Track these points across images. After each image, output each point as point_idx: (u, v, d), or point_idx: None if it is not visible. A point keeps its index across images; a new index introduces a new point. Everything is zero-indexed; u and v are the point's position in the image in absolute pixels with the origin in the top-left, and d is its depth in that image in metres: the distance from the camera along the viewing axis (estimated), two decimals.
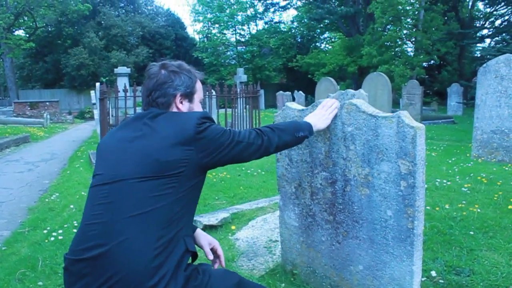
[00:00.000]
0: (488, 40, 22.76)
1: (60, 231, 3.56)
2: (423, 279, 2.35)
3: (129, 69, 17.57)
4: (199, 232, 1.88)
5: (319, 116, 2.12)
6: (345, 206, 2.24)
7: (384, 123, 1.99)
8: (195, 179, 1.60)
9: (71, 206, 4.35)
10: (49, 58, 31.36)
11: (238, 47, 36.38)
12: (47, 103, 23.38)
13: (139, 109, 7.75)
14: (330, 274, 2.39)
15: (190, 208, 1.65)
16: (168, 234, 1.51)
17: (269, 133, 1.84)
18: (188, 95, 1.74)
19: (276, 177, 5.02)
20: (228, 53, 36.61)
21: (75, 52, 28.71)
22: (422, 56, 23.33)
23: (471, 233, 3.08)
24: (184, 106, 1.73)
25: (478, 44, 23.92)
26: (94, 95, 10.47)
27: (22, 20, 28.86)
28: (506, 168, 5.46)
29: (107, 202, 1.53)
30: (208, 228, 3.30)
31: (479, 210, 3.52)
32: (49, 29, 31.29)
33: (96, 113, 10.38)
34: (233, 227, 3.36)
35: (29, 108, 22.70)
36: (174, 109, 1.71)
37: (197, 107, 1.79)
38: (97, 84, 12.10)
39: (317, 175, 2.36)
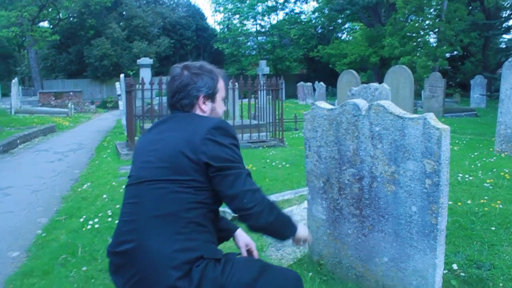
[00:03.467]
0: None
1: (95, 220, 3.76)
2: (444, 271, 2.45)
3: (151, 60, 17.76)
4: (238, 233, 2.01)
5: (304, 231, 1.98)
6: (371, 201, 2.36)
7: (411, 124, 2.10)
8: (204, 185, 1.65)
9: (104, 196, 4.54)
10: (72, 49, 31.94)
11: (259, 38, 36.39)
12: (71, 93, 23.84)
13: (164, 99, 7.95)
14: (355, 265, 2.52)
15: (209, 215, 1.71)
16: (187, 236, 1.60)
17: (267, 210, 1.69)
18: (211, 96, 1.82)
19: (299, 169, 5.16)
20: (249, 43, 36.67)
21: (97, 43, 29.17)
22: (445, 47, 22.97)
23: (493, 228, 3.16)
24: (207, 107, 1.81)
25: (503, 35, 23.42)
26: (119, 86, 10.70)
27: (46, 12, 29.35)
28: None
29: (134, 202, 1.68)
30: (236, 220, 3.45)
31: (501, 206, 3.59)
32: (72, 20, 31.79)
33: (121, 104, 10.62)
34: None
35: (53, 98, 23.19)
36: (197, 110, 1.80)
37: (219, 106, 1.88)
38: (121, 75, 12.34)
39: (345, 171, 2.48)
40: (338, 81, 10.82)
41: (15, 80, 18.07)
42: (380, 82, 21.95)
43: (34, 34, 25.02)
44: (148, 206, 1.64)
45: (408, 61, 23.00)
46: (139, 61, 16.91)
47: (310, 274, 2.64)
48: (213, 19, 49.16)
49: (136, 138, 7.40)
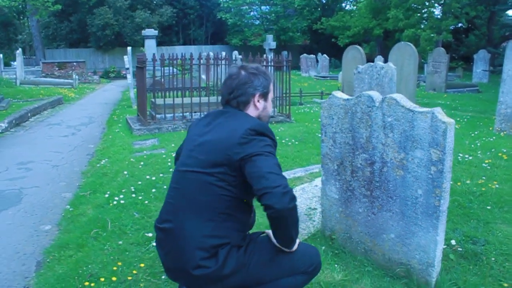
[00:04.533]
0: None
1: (121, 196, 4.01)
2: (444, 247, 2.72)
3: (156, 31, 17.73)
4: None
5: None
6: (381, 184, 2.62)
7: (420, 117, 2.33)
8: (237, 181, 1.82)
9: (125, 173, 4.77)
10: (73, 18, 31.60)
11: (262, 7, 35.96)
12: (74, 63, 23.89)
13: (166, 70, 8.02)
14: (364, 240, 2.80)
15: (240, 206, 1.90)
16: (218, 224, 1.83)
17: (289, 196, 1.73)
18: (264, 95, 2.05)
19: (308, 147, 5.41)
20: (252, 13, 36.25)
21: (100, 12, 28.89)
22: (450, 20, 22.86)
23: (488, 207, 3.44)
24: (260, 104, 2.03)
25: (509, 11, 23.23)
26: (127, 60, 10.82)
27: None
28: None
29: (176, 188, 1.96)
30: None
31: (497, 186, 3.86)
32: None
33: (129, 77, 10.78)
34: None
35: (57, 69, 23.24)
36: (251, 107, 2.01)
37: (269, 104, 2.11)
38: (129, 48, 12.44)
39: (358, 156, 2.72)
40: (344, 57, 10.94)
41: (19, 51, 18.07)
42: (384, 54, 21.94)
43: (35, 3, 24.76)
44: (186, 194, 1.89)
45: (412, 34, 22.93)
46: (144, 33, 16.94)
47: (323, 248, 2.92)
48: None
49: (148, 112, 7.62)
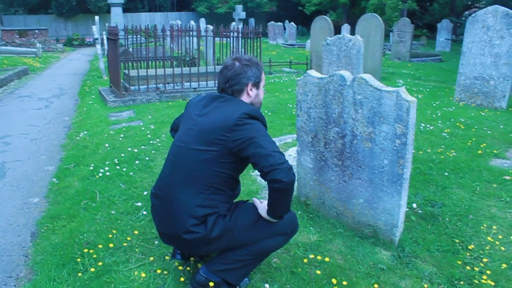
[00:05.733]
0: None
1: (106, 168, 4.17)
2: (406, 209, 3.07)
3: None
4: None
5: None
6: (351, 154, 2.91)
7: (386, 96, 2.61)
8: (229, 160, 2.08)
9: (106, 145, 4.90)
10: None
11: None
12: (36, 31, 23.03)
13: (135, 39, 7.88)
14: (336, 205, 3.11)
15: (230, 182, 2.15)
16: (208, 196, 2.10)
17: (293, 171, 2.00)
18: (256, 84, 2.30)
19: (280, 117, 5.67)
20: None
21: None
22: None
23: (446, 174, 3.82)
24: (253, 92, 2.28)
25: None
26: (95, 29, 10.64)
27: None
28: (483, 113, 6.17)
29: (173, 160, 2.24)
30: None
31: (454, 154, 4.26)
32: None
33: (99, 48, 10.65)
34: None
35: (18, 36, 22.38)
36: (245, 95, 2.26)
37: (261, 92, 2.37)
38: (96, 18, 12.20)
39: (330, 129, 3.00)
40: (312, 27, 11.12)
41: None
42: (350, 22, 22.15)
43: None
44: (182, 167, 2.16)
45: (378, 2, 23.22)
46: (109, 0, 16.56)
47: (299, 212, 3.23)
48: None
49: (121, 84, 7.66)
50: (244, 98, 2.27)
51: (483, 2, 14.78)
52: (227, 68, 2.26)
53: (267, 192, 3.56)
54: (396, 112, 2.58)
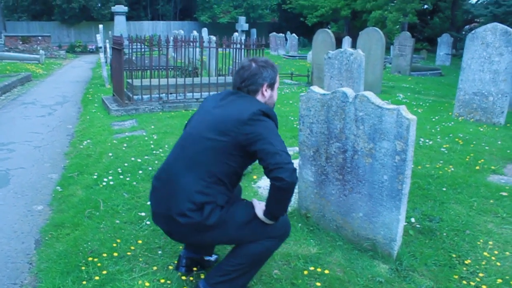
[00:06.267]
0: None
1: (110, 177, 4.23)
2: (405, 224, 3.13)
3: (126, 7, 17.52)
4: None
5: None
6: (352, 169, 2.98)
7: (387, 113, 2.69)
8: (237, 153, 2.12)
9: (109, 154, 4.96)
10: None
11: None
12: (40, 37, 23.24)
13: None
14: (336, 218, 3.17)
15: (232, 176, 2.20)
16: (208, 184, 2.13)
17: (296, 172, 2.05)
18: (271, 85, 2.37)
19: (281, 130, 5.71)
20: None
21: None
22: (415, 3, 23.47)
23: (444, 189, 3.89)
24: (267, 93, 2.35)
25: None
26: (99, 38, 10.76)
27: None
28: (481, 129, 6.25)
29: (182, 145, 2.29)
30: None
31: (452, 169, 4.33)
32: None
33: (102, 56, 10.76)
34: (254, 177, 4.12)
35: (21, 43, 22.57)
36: (260, 95, 2.33)
37: (275, 94, 2.43)
38: (100, 26, 12.37)
39: (332, 144, 3.07)
40: (314, 40, 11.25)
41: None
42: (351, 34, 22.34)
43: None
44: (189, 152, 2.21)
45: (379, 16, 23.46)
46: (113, 9, 16.75)
47: (300, 225, 3.29)
48: None
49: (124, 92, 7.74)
50: (259, 98, 2.33)
51: (482, 18, 14.94)
52: (244, 68, 2.33)
53: None
54: (396, 129, 2.66)
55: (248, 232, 2.20)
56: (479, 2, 20.01)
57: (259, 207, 2.22)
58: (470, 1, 22.33)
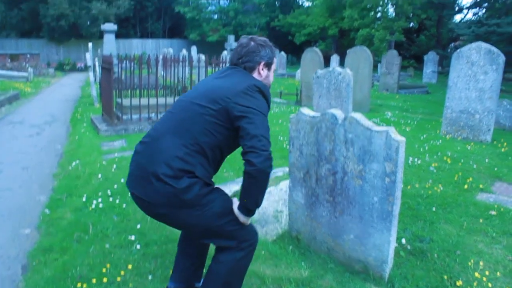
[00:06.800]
0: (466, 10, 23.45)
1: (99, 200, 4.18)
2: (396, 245, 3.14)
3: (115, 26, 17.57)
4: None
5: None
6: (342, 191, 2.99)
7: (377, 135, 2.71)
8: (224, 123, 2.08)
9: (99, 176, 4.93)
10: (24, 6, 30.40)
11: (221, 1, 36.03)
12: (28, 55, 23.22)
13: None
14: (327, 240, 3.17)
15: (216, 151, 2.13)
16: (190, 152, 2.04)
17: (270, 161, 2.04)
18: (268, 65, 2.38)
19: (272, 150, 5.73)
20: (210, 8, 36.24)
21: (54, 1, 27.99)
22: (402, 21, 23.94)
23: (434, 209, 3.91)
24: (264, 72, 2.35)
25: (455, 16, 24.62)
26: (88, 57, 10.75)
27: None
28: (469, 147, 6.32)
29: (171, 112, 2.26)
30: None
31: (441, 189, 4.36)
32: None
33: (91, 75, 10.74)
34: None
35: (9, 60, 22.52)
36: (256, 73, 2.32)
37: (271, 75, 2.43)
38: (90, 44, 12.36)
39: (322, 166, 3.08)
40: (302, 58, 11.37)
41: None
42: (339, 52, 22.68)
43: None
44: (177, 117, 2.18)
45: (367, 34, 23.84)
46: (103, 27, 16.78)
47: (291, 247, 3.27)
48: None
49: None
50: (255, 75, 2.32)
51: (465, 36, 15.29)
52: (242, 45, 2.33)
53: (258, 226, 3.61)
54: (385, 151, 2.68)
55: (220, 224, 2.15)
56: (462, 21, 20.50)
57: (237, 203, 2.21)
58: (454, 20, 22.85)
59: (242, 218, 2.19)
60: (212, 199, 2.12)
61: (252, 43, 2.32)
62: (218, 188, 2.23)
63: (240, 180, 4.59)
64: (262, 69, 2.33)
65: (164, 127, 2.16)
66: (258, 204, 2.15)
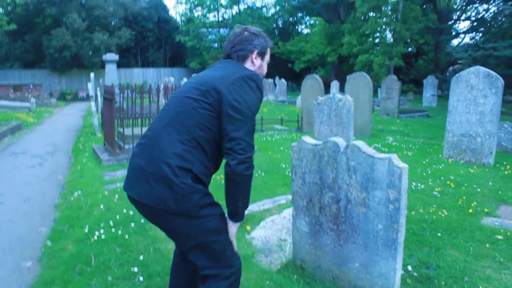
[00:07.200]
0: (463, 35, 23.81)
1: (101, 231, 4.14)
2: (402, 272, 3.09)
3: (117, 55, 17.87)
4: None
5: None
6: (346, 219, 2.97)
7: (379, 162, 2.71)
8: (214, 114, 2.04)
9: (101, 206, 4.90)
10: (28, 38, 31.04)
11: (221, 30, 36.62)
12: (31, 85, 23.44)
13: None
14: (332, 268, 3.12)
15: (212, 144, 2.08)
16: (187, 148, 2.02)
17: (248, 165, 2.02)
18: (262, 54, 2.33)
19: (274, 177, 5.72)
20: (210, 36, 36.82)
21: (57, 33, 28.53)
22: (400, 47, 24.24)
23: (439, 234, 3.87)
24: (257, 61, 2.31)
25: (453, 41, 24.91)
26: (90, 87, 10.87)
27: None
28: (472, 170, 6.30)
29: (166, 109, 2.22)
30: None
31: (446, 213, 4.32)
32: (29, 7, 30.88)
33: (93, 105, 10.83)
34: (248, 227, 4.07)
35: (12, 91, 22.73)
36: (249, 62, 2.29)
37: (265, 66, 2.38)
38: (92, 74, 12.52)
39: (325, 194, 3.07)
40: (303, 85, 11.48)
41: None
42: (339, 78, 22.92)
43: None
44: (171, 113, 2.15)
45: (366, 60, 24.10)
46: (104, 57, 17.09)
47: (295, 276, 3.23)
48: (175, 11, 48.73)
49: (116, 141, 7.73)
50: (248, 65, 2.29)
51: (463, 60, 15.46)
52: (235, 34, 2.31)
53: (262, 255, 3.57)
54: (388, 178, 2.67)
55: (211, 241, 2.12)
56: (459, 45, 20.75)
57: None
58: (451, 44, 23.13)
59: (230, 224, 2.18)
60: (210, 213, 2.11)
61: (246, 32, 2.30)
62: (217, 204, 2.20)
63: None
64: (256, 58, 2.30)
65: (160, 125, 2.13)
66: (237, 207, 2.12)
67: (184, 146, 2.03)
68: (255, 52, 2.28)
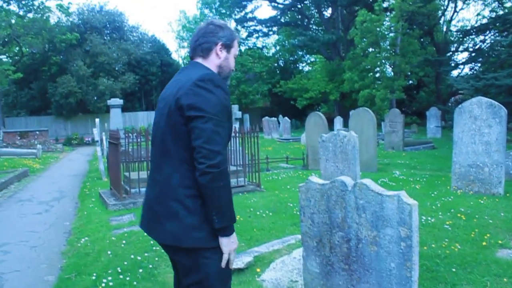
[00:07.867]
0: (462, 66, 24.06)
1: (109, 278, 4.07)
2: None
3: (121, 100, 18.13)
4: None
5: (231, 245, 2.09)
6: (358, 258, 2.91)
7: (388, 200, 2.68)
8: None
9: (108, 252, 4.84)
10: (34, 85, 31.68)
11: None
12: (37, 132, 23.66)
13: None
14: None
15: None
16: (184, 173, 1.98)
17: (216, 174, 1.90)
18: (227, 47, 2.22)
19: (282, 217, 5.66)
20: None
21: (63, 80, 29.12)
22: (401, 80, 24.49)
23: (453, 269, 3.78)
24: (222, 54, 2.21)
25: (453, 72, 25.20)
26: (96, 132, 10.99)
27: (7, 48, 29.01)
28: (482, 201, 6.22)
29: (152, 146, 2.20)
30: (236, 271, 3.92)
31: (459, 247, 4.24)
32: (35, 56, 31.68)
33: (99, 150, 10.91)
34: (258, 270, 3.99)
35: (18, 138, 22.95)
36: (213, 55, 2.19)
37: (231, 59, 2.27)
38: (97, 120, 12.68)
39: (335, 234, 3.03)
40: (306, 123, 11.55)
41: None
42: (342, 114, 23.12)
43: None
44: (157, 147, 2.14)
45: (368, 94, 24.33)
46: (109, 102, 17.35)
47: None
48: (178, 54, 49.79)
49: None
50: (213, 58, 2.20)
51: (465, 90, 15.58)
52: (200, 29, 2.25)
53: None
54: (398, 216, 2.63)
55: (212, 283, 2.05)
56: (460, 76, 20.96)
57: None
58: (451, 75, 23.39)
59: (221, 238, 2.02)
60: (215, 254, 2.04)
61: (211, 25, 2.23)
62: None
63: (251, 251, 4.51)
64: (220, 50, 2.20)
65: (156, 156, 2.15)
66: (212, 218, 1.96)
67: (179, 174, 2.00)
68: (220, 43, 2.20)
